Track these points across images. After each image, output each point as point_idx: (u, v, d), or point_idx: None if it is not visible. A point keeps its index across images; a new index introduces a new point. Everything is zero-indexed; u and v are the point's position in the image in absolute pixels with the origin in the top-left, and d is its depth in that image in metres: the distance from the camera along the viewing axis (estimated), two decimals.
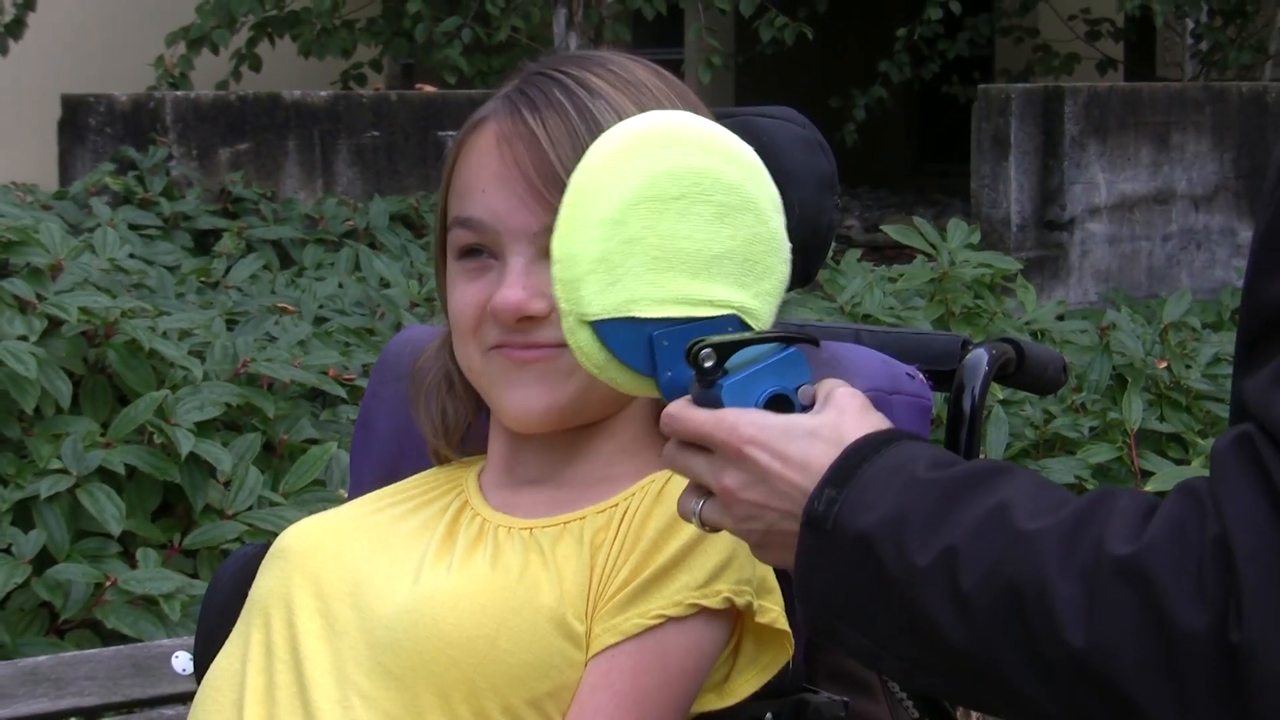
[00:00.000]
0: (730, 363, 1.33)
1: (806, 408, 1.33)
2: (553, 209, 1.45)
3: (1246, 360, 1.20)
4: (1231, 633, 1.11)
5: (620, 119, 1.49)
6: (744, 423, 1.31)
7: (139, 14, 7.59)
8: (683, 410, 1.34)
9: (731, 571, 1.49)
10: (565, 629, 1.50)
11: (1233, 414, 1.25)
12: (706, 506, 1.35)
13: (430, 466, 1.73)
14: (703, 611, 1.50)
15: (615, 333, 1.37)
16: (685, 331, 1.37)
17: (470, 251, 1.59)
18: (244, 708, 1.55)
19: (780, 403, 1.33)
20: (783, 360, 1.34)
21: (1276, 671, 1.10)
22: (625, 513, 1.53)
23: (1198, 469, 4.49)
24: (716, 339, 1.34)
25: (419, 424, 1.72)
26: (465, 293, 1.59)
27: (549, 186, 1.52)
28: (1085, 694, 1.16)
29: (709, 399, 1.33)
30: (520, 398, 1.57)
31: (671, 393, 1.37)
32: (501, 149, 1.56)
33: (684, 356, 1.35)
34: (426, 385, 1.71)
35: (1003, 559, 1.19)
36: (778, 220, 1.43)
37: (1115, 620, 1.14)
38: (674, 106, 1.55)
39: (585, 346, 1.38)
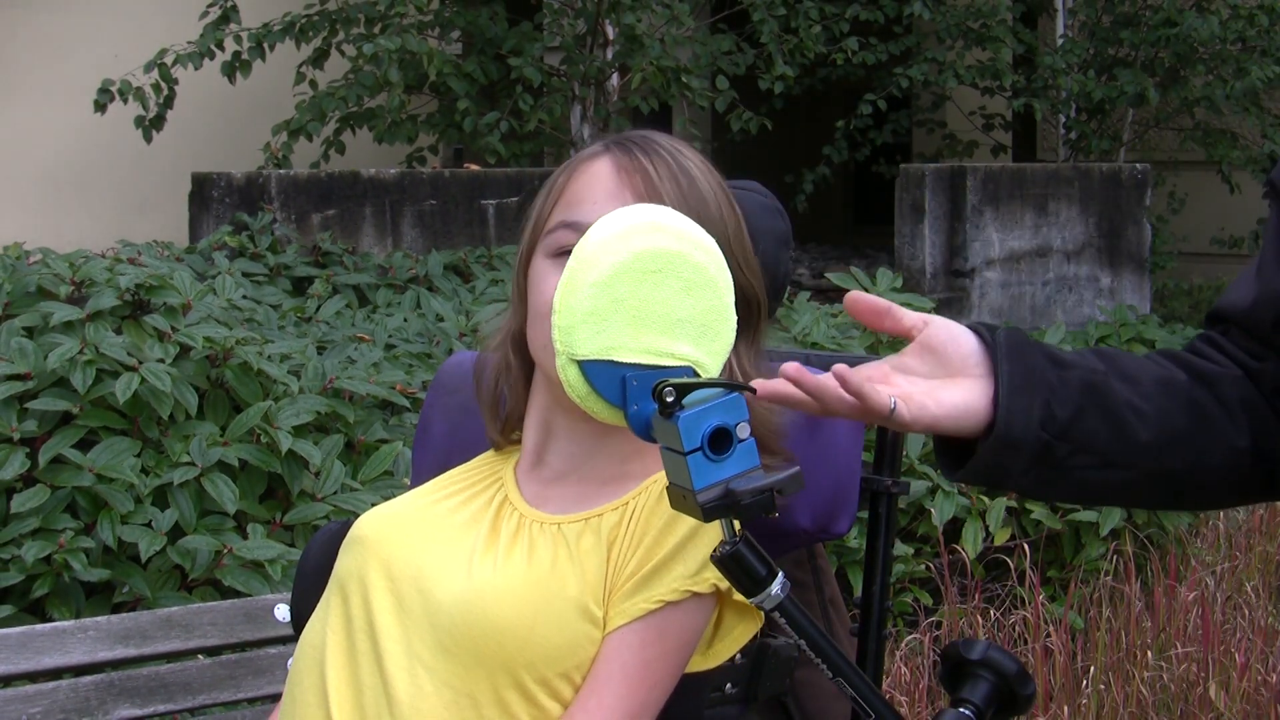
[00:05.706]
0: (686, 400, 1.30)
1: (743, 440, 1.30)
2: None
3: None
4: None
5: (699, 172, 1.51)
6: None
7: (251, 110, 7.59)
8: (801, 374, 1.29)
9: None
10: (587, 614, 1.47)
11: None
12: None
13: (475, 460, 1.69)
14: (694, 595, 1.47)
15: (597, 371, 1.37)
16: (651, 375, 1.35)
17: (566, 251, 1.50)
18: (325, 667, 1.53)
19: (722, 434, 1.30)
20: (727, 402, 1.31)
21: None
22: (633, 512, 1.50)
23: None
24: (677, 381, 1.32)
25: (480, 406, 1.65)
26: (554, 281, 1.49)
27: None
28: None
29: (667, 428, 1.31)
30: None
31: (636, 423, 1.36)
32: (619, 175, 1.52)
33: (650, 393, 1.32)
34: (488, 372, 1.64)
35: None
36: (729, 298, 1.42)
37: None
38: (709, 176, 1.55)
39: (573, 380, 1.37)
